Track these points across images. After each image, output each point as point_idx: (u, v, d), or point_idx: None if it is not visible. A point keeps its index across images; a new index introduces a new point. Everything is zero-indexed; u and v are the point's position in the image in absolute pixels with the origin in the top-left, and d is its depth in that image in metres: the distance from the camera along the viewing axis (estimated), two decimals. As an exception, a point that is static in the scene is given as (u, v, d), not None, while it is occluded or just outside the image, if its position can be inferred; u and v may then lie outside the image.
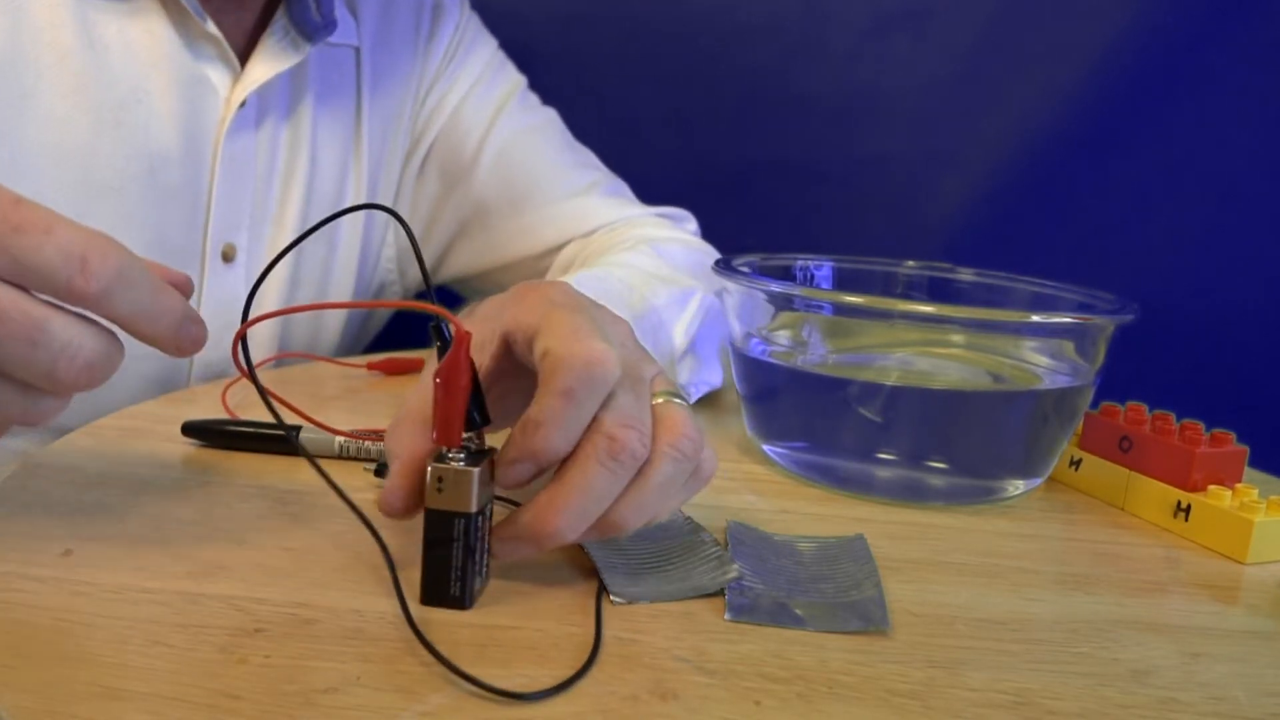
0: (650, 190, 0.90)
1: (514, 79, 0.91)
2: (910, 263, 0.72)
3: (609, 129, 1.05)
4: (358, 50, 0.82)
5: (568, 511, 0.38)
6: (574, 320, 0.40)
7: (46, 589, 0.38)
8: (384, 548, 0.40)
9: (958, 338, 0.61)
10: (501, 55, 0.91)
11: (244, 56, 0.73)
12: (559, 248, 0.84)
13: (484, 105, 0.87)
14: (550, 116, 0.91)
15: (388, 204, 0.85)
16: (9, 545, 0.42)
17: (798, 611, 0.42)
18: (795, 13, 1.10)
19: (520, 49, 0.93)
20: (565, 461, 0.39)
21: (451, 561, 0.39)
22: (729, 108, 1.12)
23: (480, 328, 0.43)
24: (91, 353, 0.36)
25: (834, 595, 0.44)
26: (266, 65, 0.73)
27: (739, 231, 0.92)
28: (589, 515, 0.39)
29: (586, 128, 0.92)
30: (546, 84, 0.92)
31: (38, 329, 0.34)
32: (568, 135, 0.91)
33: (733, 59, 1.12)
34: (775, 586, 0.44)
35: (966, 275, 0.70)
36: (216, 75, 0.71)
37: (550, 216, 0.84)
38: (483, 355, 0.42)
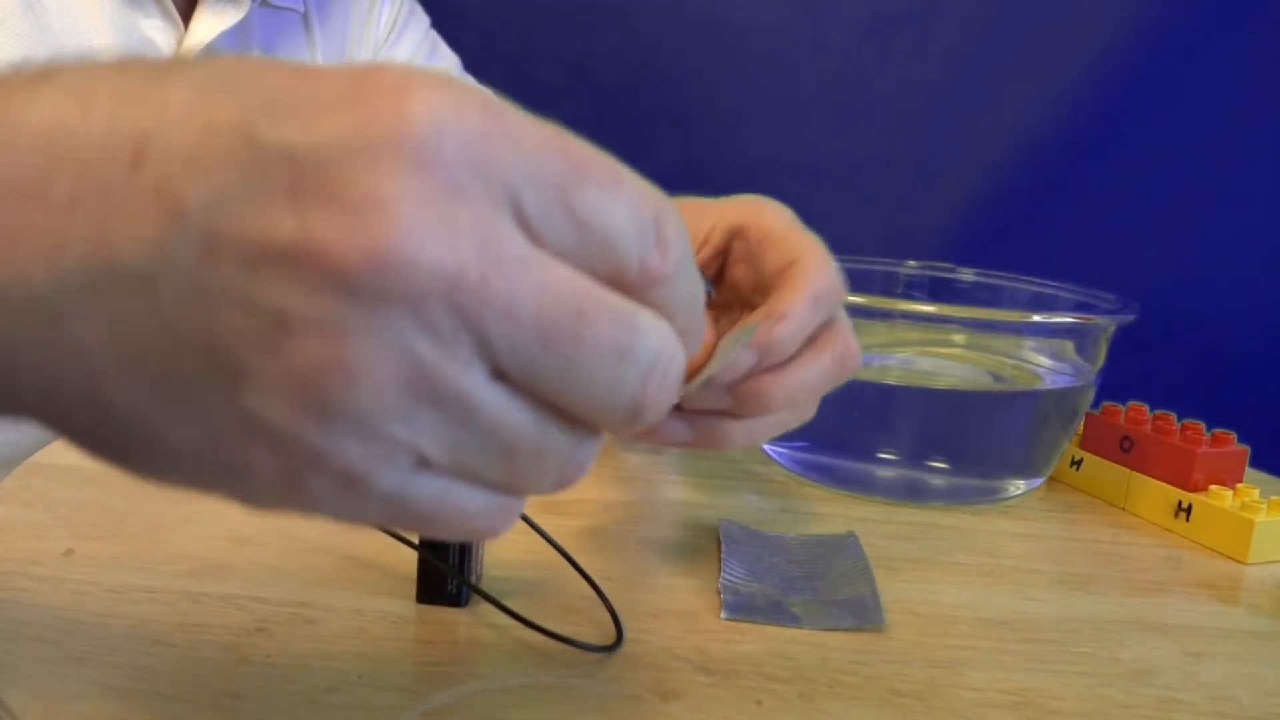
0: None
1: (451, 57, 0.91)
2: (911, 262, 0.72)
3: (609, 129, 1.05)
4: (305, 17, 0.81)
5: (789, 385, 0.38)
6: (811, 236, 0.41)
7: (48, 588, 0.38)
8: (412, 544, 0.40)
9: (958, 338, 0.61)
10: (434, 33, 0.91)
11: (185, 15, 0.73)
12: None
13: None
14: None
15: None
16: (10, 545, 0.42)
17: (793, 609, 0.42)
18: (795, 13, 1.10)
19: (520, 49, 0.93)
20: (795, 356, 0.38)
21: (448, 560, 0.39)
22: (728, 107, 1.12)
23: (692, 216, 0.43)
24: (680, 364, 0.24)
25: (828, 592, 0.44)
26: (209, 24, 0.71)
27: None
28: (798, 398, 0.39)
29: (586, 128, 0.92)
30: (546, 84, 0.92)
31: (628, 330, 0.22)
32: None
33: (732, 59, 1.12)
34: (769, 585, 0.44)
35: (967, 275, 0.70)
36: (160, 36, 0.71)
37: None
38: (708, 247, 0.43)
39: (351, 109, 0.19)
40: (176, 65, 0.21)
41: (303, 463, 0.21)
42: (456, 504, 0.23)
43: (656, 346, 0.23)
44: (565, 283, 0.21)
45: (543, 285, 0.21)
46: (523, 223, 0.21)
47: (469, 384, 0.21)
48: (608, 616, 0.39)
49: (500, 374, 0.21)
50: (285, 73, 0.20)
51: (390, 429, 0.21)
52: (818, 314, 0.38)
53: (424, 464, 0.22)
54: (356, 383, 0.20)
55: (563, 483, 0.24)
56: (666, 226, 0.23)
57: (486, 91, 0.22)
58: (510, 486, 0.24)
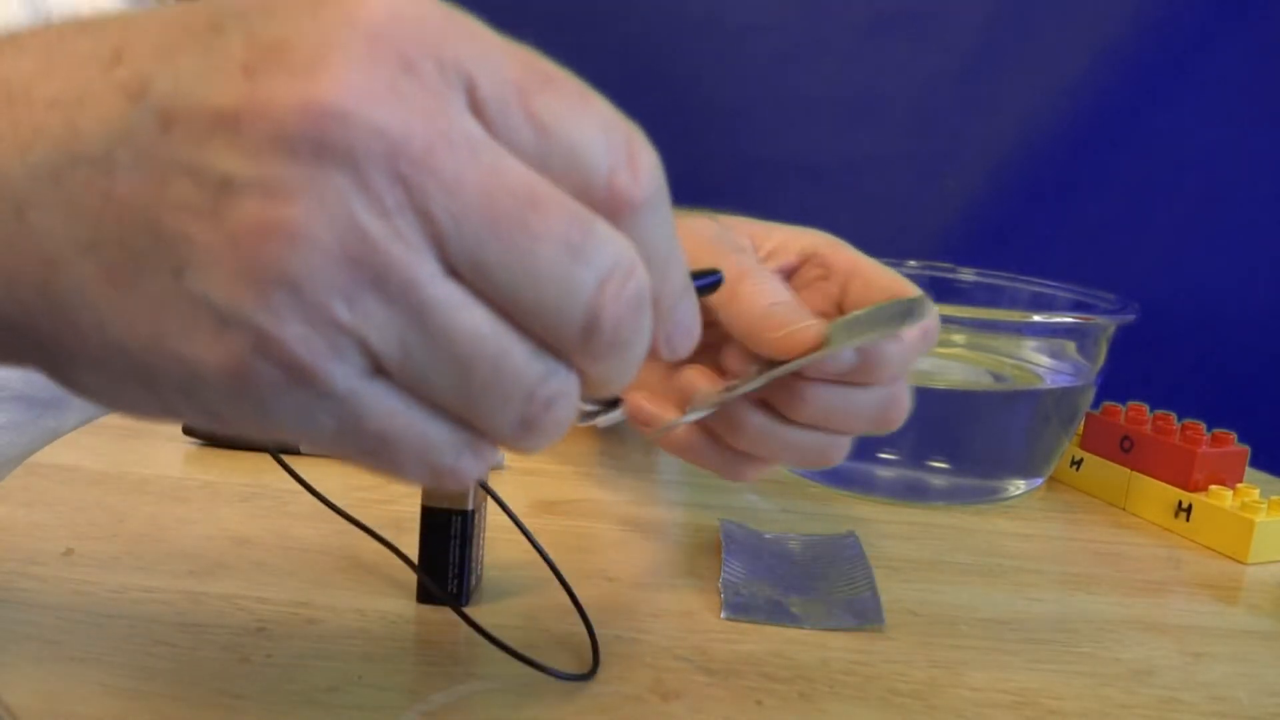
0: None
1: None
2: (911, 262, 0.72)
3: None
4: None
5: (833, 397, 0.38)
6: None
7: (48, 588, 0.38)
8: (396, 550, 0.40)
9: (959, 337, 0.61)
10: None
11: None
12: None
13: None
14: None
15: None
16: (10, 545, 0.42)
17: (793, 609, 0.42)
18: (795, 13, 1.10)
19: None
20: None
21: (449, 559, 0.39)
22: (728, 108, 1.12)
23: (758, 231, 0.44)
24: (641, 283, 0.22)
25: (828, 593, 0.44)
26: None
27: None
28: (832, 418, 0.39)
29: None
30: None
31: (582, 230, 0.21)
32: None
33: (732, 59, 1.12)
34: (770, 584, 0.44)
35: (967, 275, 0.70)
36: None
37: None
38: (774, 262, 0.43)
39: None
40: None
41: (249, 349, 0.20)
42: (416, 430, 0.22)
43: (614, 253, 0.22)
44: (518, 172, 0.21)
45: (493, 169, 0.20)
46: (477, 111, 0.21)
47: (417, 271, 0.20)
48: (605, 618, 0.39)
49: (454, 272, 0.21)
50: None
51: (334, 310, 0.20)
52: (920, 348, 0.39)
53: (377, 369, 0.21)
54: (296, 247, 0.19)
55: (529, 421, 0.22)
56: (638, 151, 0.23)
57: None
58: (471, 416, 0.22)
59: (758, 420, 0.38)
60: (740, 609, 0.41)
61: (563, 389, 0.23)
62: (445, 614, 0.39)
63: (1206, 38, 1.04)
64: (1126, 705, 0.37)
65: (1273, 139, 1.04)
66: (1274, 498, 0.53)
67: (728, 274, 0.38)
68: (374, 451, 0.22)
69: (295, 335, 0.20)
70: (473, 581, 0.40)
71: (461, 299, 0.21)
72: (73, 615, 0.37)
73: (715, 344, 0.42)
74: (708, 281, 0.32)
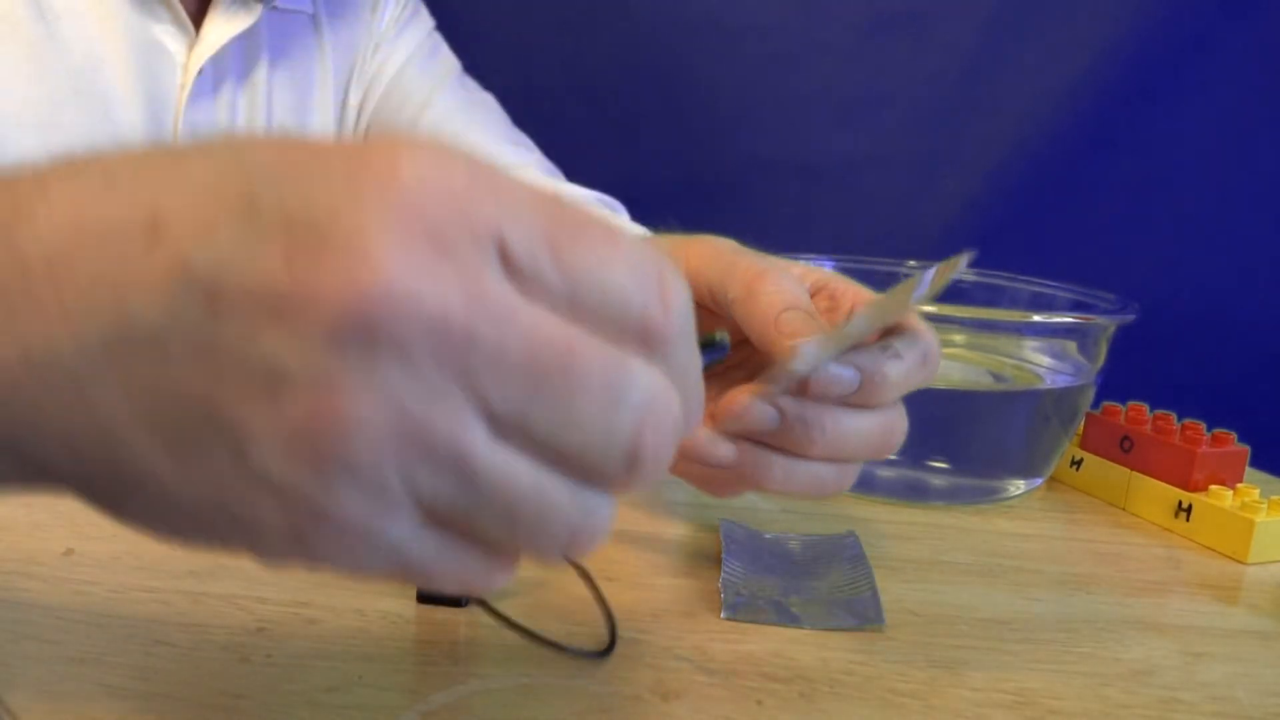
0: (649, 190, 0.90)
1: (451, 59, 0.90)
2: (911, 262, 0.72)
3: (609, 129, 1.05)
4: (315, 18, 0.81)
5: (841, 425, 0.39)
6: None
7: (48, 588, 0.38)
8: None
9: (959, 337, 0.61)
10: (438, 36, 0.91)
11: (196, 20, 0.73)
12: None
13: (422, 78, 0.87)
14: (489, 99, 0.90)
15: None
16: (10, 545, 0.42)
17: (793, 609, 0.42)
18: (795, 13, 1.10)
19: (520, 49, 0.93)
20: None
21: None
22: (728, 107, 1.12)
23: (788, 268, 0.43)
24: (675, 410, 0.23)
25: (828, 592, 0.44)
26: (221, 29, 0.72)
27: (739, 231, 0.92)
28: (844, 446, 0.39)
29: (586, 128, 0.92)
30: (546, 84, 0.92)
31: (619, 377, 0.22)
32: (506, 119, 0.90)
33: (732, 59, 1.12)
34: (770, 584, 0.44)
35: (967, 275, 0.70)
36: (172, 41, 0.71)
37: None
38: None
39: (343, 169, 0.21)
40: (196, 146, 0.22)
41: (308, 516, 0.21)
42: (456, 560, 0.23)
43: (650, 390, 0.23)
44: (554, 330, 0.22)
45: (531, 329, 0.21)
46: (511, 272, 0.21)
47: (467, 441, 0.21)
48: (604, 623, 0.40)
49: (499, 429, 0.22)
50: (294, 146, 0.22)
51: (389, 482, 0.21)
52: (923, 374, 0.40)
53: (428, 519, 0.22)
54: (352, 435, 0.20)
55: (575, 546, 0.24)
56: (669, 284, 0.23)
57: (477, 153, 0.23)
58: (516, 547, 0.24)
59: (778, 465, 0.39)
60: (740, 609, 0.41)
61: (603, 517, 0.24)
62: (445, 614, 0.39)
63: (1206, 38, 1.04)
64: (1126, 705, 0.37)
65: (1273, 139, 1.05)
66: (1274, 498, 0.53)
67: (748, 274, 0.38)
68: (414, 575, 0.24)
69: (352, 506, 0.21)
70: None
71: (507, 457, 0.22)
72: (73, 615, 0.37)
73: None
74: (713, 358, 0.33)
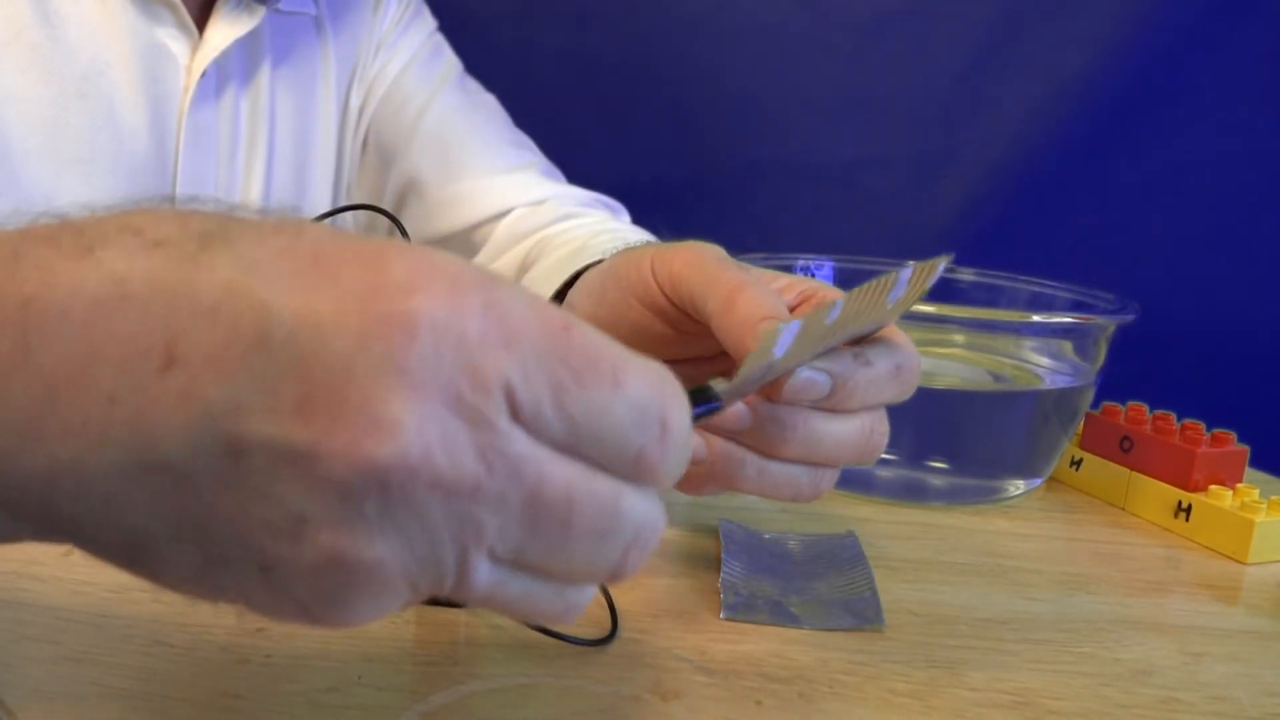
0: (650, 190, 0.90)
1: (453, 60, 0.90)
2: (911, 262, 0.72)
3: (609, 129, 1.05)
4: (318, 20, 0.81)
5: (814, 428, 0.39)
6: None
7: (47, 588, 0.38)
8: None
9: (958, 337, 0.61)
10: (440, 37, 0.91)
11: (199, 23, 0.73)
12: (495, 218, 0.82)
13: (423, 80, 0.87)
14: (490, 101, 0.90)
15: (347, 179, 0.85)
16: (9, 545, 0.42)
17: (793, 609, 0.42)
18: (796, 13, 1.10)
19: (522, 49, 0.93)
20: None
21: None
22: (729, 108, 1.12)
23: (774, 280, 0.44)
24: (659, 531, 0.26)
25: (828, 593, 0.44)
26: (223, 31, 0.72)
27: (740, 231, 0.92)
28: (818, 449, 0.39)
29: (587, 128, 0.92)
30: (547, 84, 0.92)
31: (611, 515, 0.25)
32: (508, 120, 0.90)
33: (733, 59, 1.12)
34: (769, 584, 0.44)
35: (967, 275, 0.70)
36: (175, 44, 0.71)
37: (484, 188, 0.83)
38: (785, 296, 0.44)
39: (356, 309, 0.22)
40: (209, 245, 0.23)
41: (322, 620, 0.24)
42: None
43: (639, 521, 0.25)
44: (556, 475, 0.24)
45: (535, 481, 0.23)
46: (519, 420, 0.23)
47: (469, 574, 0.24)
48: (607, 613, 0.40)
49: (497, 559, 0.24)
50: (302, 256, 0.22)
51: (398, 593, 0.23)
52: (896, 385, 0.40)
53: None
54: (369, 576, 0.23)
55: (557, 625, 0.28)
56: (670, 422, 0.25)
57: (493, 275, 0.24)
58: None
59: (751, 464, 0.39)
60: (740, 609, 0.41)
61: (585, 601, 0.27)
62: (445, 614, 0.39)
63: (1206, 38, 1.04)
64: (1126, 705, 0.37)
65: (1273, 139, 1.05)
66: (1274, 498, 0.53)
67: (728, 287, 0.39)
68: None
69: (364, 610, 0.24)
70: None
71: (501, 577, 0.24)
72: (73, 615, 0.37)
73: (711, 356, 0.44)
74: (705, 410, 0.33)
